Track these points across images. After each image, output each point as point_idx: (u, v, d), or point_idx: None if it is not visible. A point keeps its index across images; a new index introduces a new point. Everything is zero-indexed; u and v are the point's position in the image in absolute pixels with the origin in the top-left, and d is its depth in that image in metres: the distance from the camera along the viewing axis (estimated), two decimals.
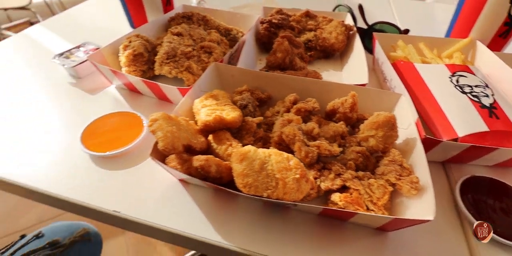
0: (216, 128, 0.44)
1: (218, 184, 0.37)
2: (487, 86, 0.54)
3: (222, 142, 0.43)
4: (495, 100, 0.51)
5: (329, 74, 0.71)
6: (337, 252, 0.37)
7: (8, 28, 2.72)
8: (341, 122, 0.49)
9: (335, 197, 0.39)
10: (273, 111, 0.54)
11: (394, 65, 0.63)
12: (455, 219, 0.42)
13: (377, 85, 0.67)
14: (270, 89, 0.57)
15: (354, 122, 0.51)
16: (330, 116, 0.52)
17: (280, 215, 0.41)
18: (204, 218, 0.40)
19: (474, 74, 0.57)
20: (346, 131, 0.48)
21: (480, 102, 0.50)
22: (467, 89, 0.53)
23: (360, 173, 0.41)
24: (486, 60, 0.64)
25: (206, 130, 0.44)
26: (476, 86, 0.53)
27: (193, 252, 1.25)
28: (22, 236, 0.74)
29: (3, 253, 0.69)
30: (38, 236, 0.74)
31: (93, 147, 0.47)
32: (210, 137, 0.45)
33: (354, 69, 0.66)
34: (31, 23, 2.97)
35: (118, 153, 0.47)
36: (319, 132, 0.46)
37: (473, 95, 0.51)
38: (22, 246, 0.71)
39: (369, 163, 0.44)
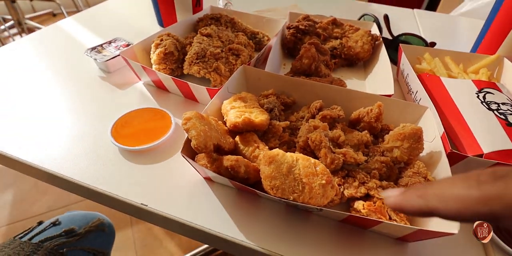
0: (244, 130, 0.45)
1: (246, 185, 0.39)
2: None
3: (249, 143, 0.44)
4: None
5: (353, 83, 0.71)
6: None
7: (31, 18, 2.80)
8: (365, 131, 0.50)
9: (359, 204, 0.39)
10: (298, 116, 0.55)
11: (420, 78, 0.63)
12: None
13: (400, 97, 0.67)
14: (295, 94, 0.58)
15: (378, 132, 0.51)
16: (354, 124, 0.53)
17: (301, 219, 0.42)
18: (227, 216, 0.41)
19: (501, 92, 0.57)
20: (370, 140, 0.49)
21: (506, 119, 0.50)
22: (493, 106, 0.53)
23: (384, 183, 0.42)
24: None
25: (234, 131, 0.45)
26: (503, 103, 0.53)
27: (201, 248, 1.26)
28: (40, 223, 0.77)
29: (21, 238, 0.71)
30: (55, 224, 0.76)
31: (122, 141, 0.49)
32: (237, 138, 0.46)
33: (379, 79, 0.66)
34: (54, 15, 3.05)
35: (147, 148, 0.48)
36: (344, 140, 0.46)
37: (499, 113, 0.51)
38: (40, 232, 0.73)
39: (392, 173, 0.45)
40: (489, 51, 0.72)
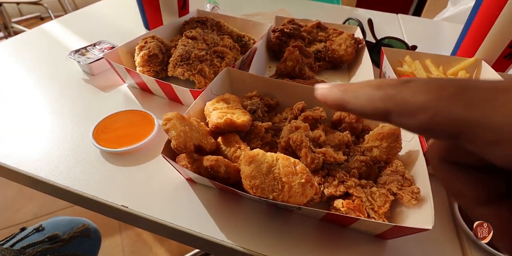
0: (226, 131, 0.46)
1: (226, 185, 0.39)
2: None
3: (231, 144, 0.44)
4: None
5: None
6: None
7: (18, 22, 2.76)
8: (347, 132, 0.51)
9: (338, 203, 0.40)
10: (281, 117, 0.55)
11: None
12: (453, 231, 0.43)
13: None
14: (279, 96, 0.58)
15: (359, 133, 0.52)
16: (336, 125, 0.54)
17: (282, 218, 0.42)
18: (209, 217, 0.41)
19: None
20: (351, 140, 0.49)
21: None
22: None
23: (363, 181, 0.42)
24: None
25: (216, 132, 0.46)
26: None
27: (191, 253, 1.25)
28: (22, 229, 0.75)
29: (2, 244, 0.69)
30: (38, 230, 0.75)
31: (104, 143, 0.48)
32: (220, 139, 0.46)
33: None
34: (42, 18, 3.01)
35: (129, 150, 0.48)
36: (325, 140, 0.47)
37: None
38: (22, 238, 0.71)
39: (371, 172, 0.45)
40: (468, 54, 0.74)
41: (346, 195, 0.41)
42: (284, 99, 0.58)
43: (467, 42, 0.75)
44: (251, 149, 0.45)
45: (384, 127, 0.47)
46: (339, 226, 0.42)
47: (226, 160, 0.39)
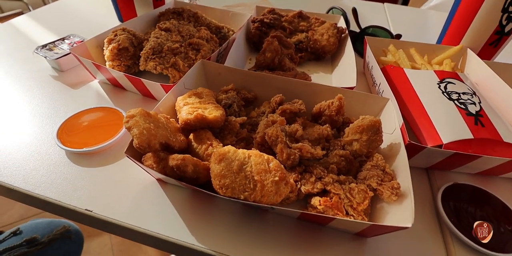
0: (197, 127, 0.43)
1: (195, 185, 0.36)
2: (474, 93, 0.54)
3: (202, 141, 0.42)
4: (481, 108, 0.50)
5: (319, 76, 0.70)
6: None
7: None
8: (327, 125, 0.48)
9: (315, 201, 0.38)
10: (259, 111, 0.53)
11: (384, 70, 0.63)
12: (436, 226, 0.41)
13: (366, 89, 0.66)
14: (257, 89, 0.56)
15: (340, 125, 0.50)
16: (316, 118, 0.51)
17: (258, 218, 0.40)
18: (180, 219, 0.39)
19: (463, 81, 0.57)
20: (331, 134, 0.47)
21: (466, 109, 0.50)
22: (454, 96, 0.52)
23: (342, 177, 0.40)
24: (475, 68, 0.64)
25: (187, 128, 0.43)
26: (463, 93, 0.53)
27: None
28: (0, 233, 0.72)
29: None
30: (15, 233, 0.72)
31: (70, 143, 0.45)
32: (191, 136, 0.43)
33: (344, 72, 0.65)
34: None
35: (95, 150, 0.45)
36: (303, 134, 0.45)
37: (460, 102, 0.51)
38: None
39: (352, 167, 0.43)
40: (453, 42, 0.72)
41: (324, 192, 0.39)
42: (262, 92, 0.55)
43: (452, 30, 0.72)
44: (225, 146, 0.43)
45: (364, 119, 0.44)
46: (318, 225, 0.40)
47: (195, 158, 0.37)
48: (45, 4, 2.67)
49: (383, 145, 0.46)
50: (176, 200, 0.41)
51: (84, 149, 0.45)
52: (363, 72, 0.72)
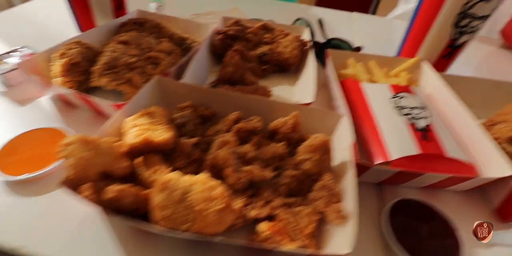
0: (145, 151, 0.42)
1: (136, 216, 0.35)
2: (426, 107, 0.55)
3: (149, 166, 0.40)
4: (431, 123, 0.52)
5: (282, 89, 0.70)
6: None
7: None
8: (283, 143, 0.48)
9: (263, 226, 0.37)
10: (216, 128, 0.52)
11: (344, 83, 0.64)
12: (381, 245, 0.42)
13: (327, 104, 0.67)
14: (215, 106, 0.55)
15: (295, 143, 0.50)
16: (273, 135, 0.51)
17: (205, 250, 0.39)
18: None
19: (415, 95, 0.58)
20: (285, 152, 0.47)
21: (416, 124, 0.51)
22: (405, 111, 0.54)
23: (291, 200, 0.40)
24: (429, 80, 0.66)
25: (134, 153, 0.41)
26: (415, 107, 0.55)
27: None
28: None
29: None
30: None
31: (7, 169, 0.42)
32: (140, 159, 0.42)
33: (304, 87, 0.65)
34: None
35: (29, 178, 0.42)
36: (255, 155, 0.44)
37: (410, 117, 0.53)
38: None
39: (304, 187, 0.43)
40: (411, 54, 0.75)
41: (272, 216, 0.39)
42: (221, 108, 0.54)
43: (410, 42, 0.75)
44: (174, 169, 0.42)
45: (316, 138, 0.45)
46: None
47: (133, 189, 0.35)
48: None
49: (335, 163, 0.46)
50: (120, 233, 0.39)
51: (17, 177, 0.42)
52: (327, 86, 0.72)
